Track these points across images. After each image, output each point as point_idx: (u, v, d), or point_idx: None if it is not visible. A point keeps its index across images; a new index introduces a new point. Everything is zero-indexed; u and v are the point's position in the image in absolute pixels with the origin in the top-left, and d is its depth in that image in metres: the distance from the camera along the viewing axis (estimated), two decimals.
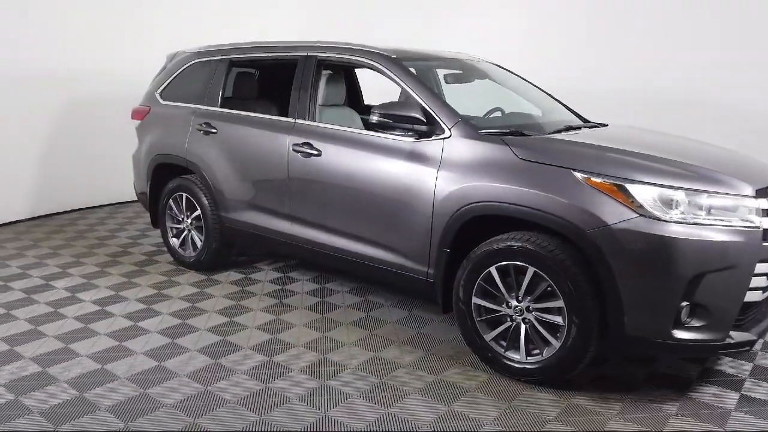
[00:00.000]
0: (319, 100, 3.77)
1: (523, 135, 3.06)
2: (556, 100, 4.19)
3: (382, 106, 3.13)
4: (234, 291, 4.11)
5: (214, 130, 4.16)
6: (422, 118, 3.08)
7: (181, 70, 4.65)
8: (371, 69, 3.49)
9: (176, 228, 4.61)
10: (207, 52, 4.49)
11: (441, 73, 4.08)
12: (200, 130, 4.24)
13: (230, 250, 4.55)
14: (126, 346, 3.25)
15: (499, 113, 3.88)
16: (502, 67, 4.30)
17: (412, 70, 3.37)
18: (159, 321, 3.60)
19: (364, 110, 5.25)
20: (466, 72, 3.98)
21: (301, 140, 3.63)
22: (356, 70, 5.15)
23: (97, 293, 4.05)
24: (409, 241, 3.20)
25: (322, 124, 3.62)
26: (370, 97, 5.22)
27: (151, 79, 5.03)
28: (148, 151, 4.65)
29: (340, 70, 4.06)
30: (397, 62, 3.38)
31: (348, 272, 4.13)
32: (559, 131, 3.37)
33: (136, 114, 4.87)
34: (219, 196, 4.17)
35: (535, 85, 4.27)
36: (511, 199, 2.77)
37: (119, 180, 6.78)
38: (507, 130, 3.12)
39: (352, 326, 3.52)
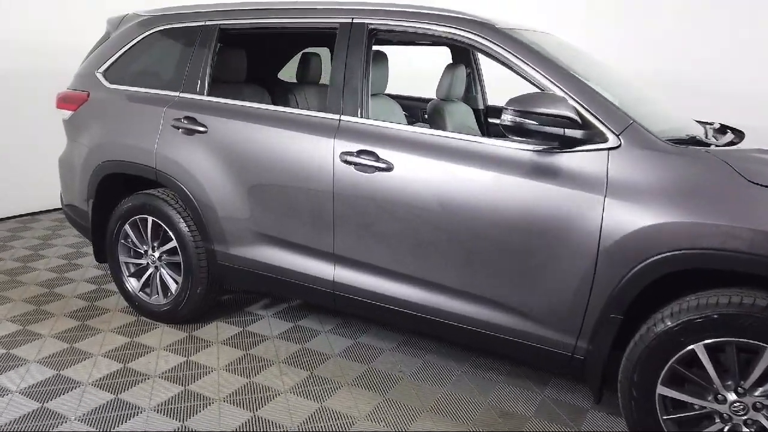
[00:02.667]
0: (370, 89, 2.64)
1: (705, 145, 2.15)
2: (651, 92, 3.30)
3: (517, 101, 2.06)
4: (236, 358, 2.88)
5: (202, 129, 2.88)
6: (578, 119, 2.06)
7: (135, 41, 3.29)
8: (469, 46, 2.40)
9: (135, 264, 3.27)
10: (179, 16, 3.18)
11: None
12: (179, 128, 2.94)
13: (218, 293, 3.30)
14: None
15: None
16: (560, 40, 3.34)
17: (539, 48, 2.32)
18: (143, 422, 2.33)
19: None
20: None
21: (355, 147, 2.48)
22: None
23: (27, 375, 2.67)
24: (544, 299, 2.18)
25: (389, 125, 2.50)
26: None
27: (76, 51, 3.63)
28: (90, 156, 3.26)
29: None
30: (514, 38, 2.32)
31: (426, 333, 3.02)
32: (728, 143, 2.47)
33: (66, 102, 3.45)
34: (210, 221, 2.91)
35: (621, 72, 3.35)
36: (749, 246, 1.82)
37: (21, 186, 5.21)
38: (685, 137, 2.19)
39: (433, 413, 2.46)
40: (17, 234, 4.80)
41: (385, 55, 2.98)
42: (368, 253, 2.52)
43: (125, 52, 3.31)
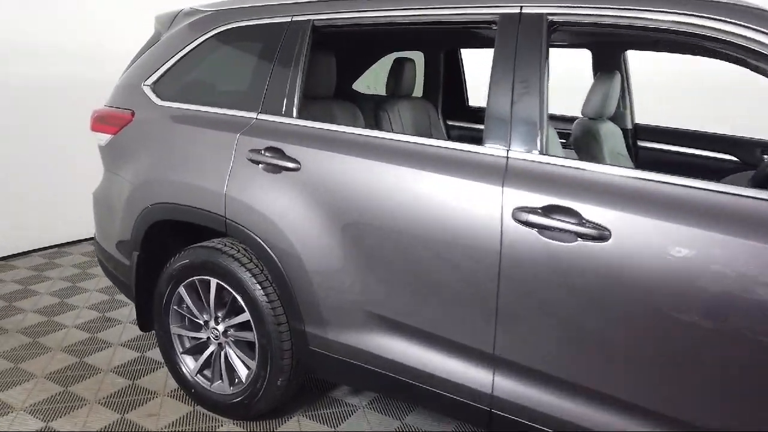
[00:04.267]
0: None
1: None
2: None
3: None
4: None
5: (292, 165, 2.06)
6: None
7: (193, 44, 2.51)
8: (732, 46, 1.54)
9: (192, 338, 2.48)
10: (252, 11, 2.38)
11: None
12: (258, 163, 2.13)
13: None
14: None
15: None
16: None
17: None
18: None
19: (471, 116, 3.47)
20: None
21: (539, 200, 1.63)
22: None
23: None
24: None
25: (596, 166, 1.65)
26: None
27: (119, 56, 2.90)
28: (135, 196, 2.47)
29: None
30: None
31: None
32: None
33: (103, 122, 2.69)
34: (301, 292, 2.09)
35: None
36: None
37: (48, 214, 4.49)
38: None
39: None
40: (42, 274, 4.06)
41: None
42: (557, 361, 1.66)
43: (181, 59, 2.52)
